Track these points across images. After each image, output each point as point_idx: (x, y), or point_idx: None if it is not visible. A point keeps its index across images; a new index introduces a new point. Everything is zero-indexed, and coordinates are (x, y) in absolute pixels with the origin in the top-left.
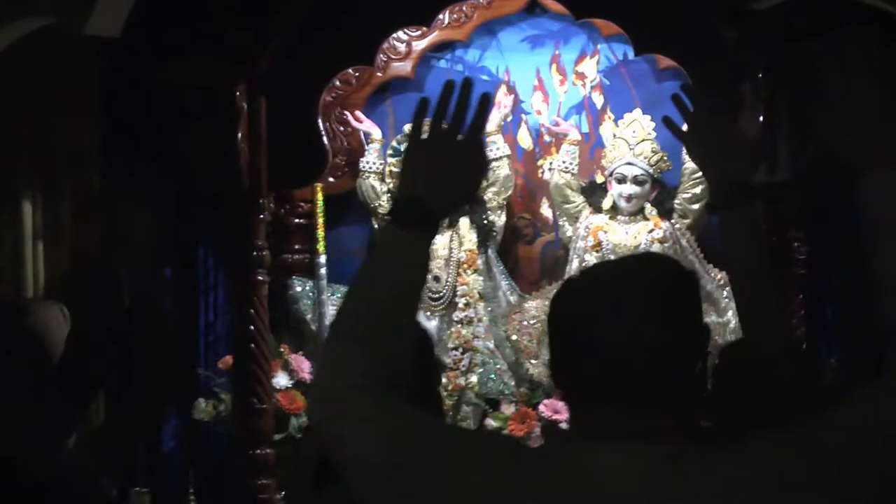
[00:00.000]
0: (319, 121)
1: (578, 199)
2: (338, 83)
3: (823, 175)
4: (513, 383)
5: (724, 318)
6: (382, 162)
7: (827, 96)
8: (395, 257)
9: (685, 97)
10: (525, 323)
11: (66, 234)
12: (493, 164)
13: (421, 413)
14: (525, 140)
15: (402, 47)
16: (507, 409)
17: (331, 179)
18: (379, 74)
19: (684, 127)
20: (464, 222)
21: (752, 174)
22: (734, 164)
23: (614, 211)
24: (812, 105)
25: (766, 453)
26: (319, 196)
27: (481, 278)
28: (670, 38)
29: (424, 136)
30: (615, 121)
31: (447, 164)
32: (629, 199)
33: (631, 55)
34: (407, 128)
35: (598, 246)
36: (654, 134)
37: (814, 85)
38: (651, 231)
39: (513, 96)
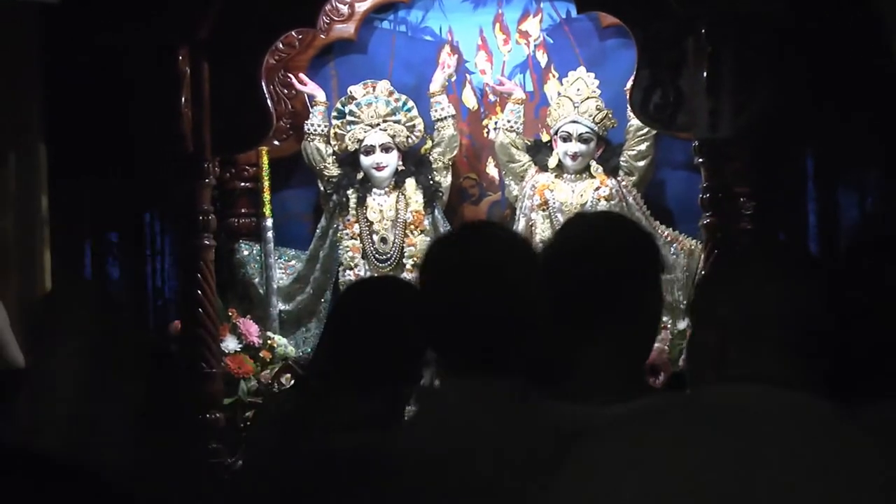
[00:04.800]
0: (263, 84)
1: (524, 158)
2: (281, 46)
3: (767, 129)
4: None
5: (671, 276)
6: (327, 124)
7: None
8: None
9: None
10: None
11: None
12: (438, 124)
13: None
14: (470, 100)
15: (344, 9)
16: None
17: (276, 143)
18: (322, 36)
19: (628, 85)
20: (410, 183)
21: None
22: None
23: (560, 169)
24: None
25: None
26: (265, 159)
27: (428, 239)
28: None
29: None
30: (559, 79)
31: None
32: (575, 157)
33: (574, 13)
34: (351, 89)
35: (544, 205)
36: (598, 92)
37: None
38: (597, 189)
39: (456, 56)
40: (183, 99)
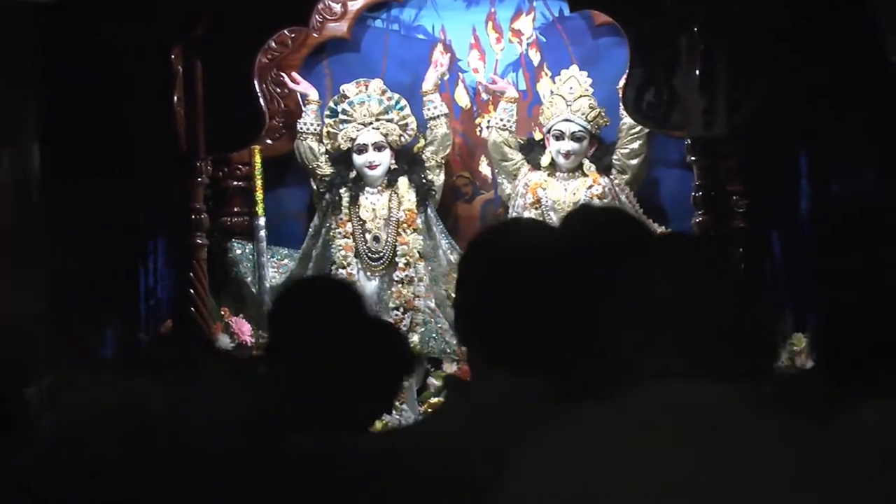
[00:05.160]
0: (256, 83)
1: (517, 157)
2: (273, 45)
3: (760, 127)
4: (454, 342)
5: None
6: (320, 123)
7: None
8: None
9: None
10: None
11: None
12: (431, 122)
13: None
14: (462, 98)
15: (337, 7)
16: (449, 368)
17: (268, 142)
18: (315, 35)
19: (621, 83)
20: (403, 182)
21: None
22: None
23: (553, 168)
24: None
25: None
26: (257, 158)
27: (421, 237)
28: None
29: None
30: (552, 77)
31: None
32: (567, 155)
33: (567, 11)
34: (344, 87)
35: (537, 203)
36: (591, 90)
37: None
38: (590, 187)
39: (449, 55)
40: (176, 98)
